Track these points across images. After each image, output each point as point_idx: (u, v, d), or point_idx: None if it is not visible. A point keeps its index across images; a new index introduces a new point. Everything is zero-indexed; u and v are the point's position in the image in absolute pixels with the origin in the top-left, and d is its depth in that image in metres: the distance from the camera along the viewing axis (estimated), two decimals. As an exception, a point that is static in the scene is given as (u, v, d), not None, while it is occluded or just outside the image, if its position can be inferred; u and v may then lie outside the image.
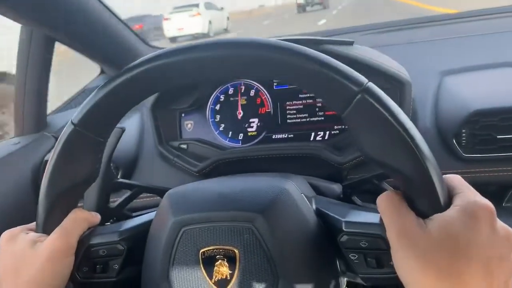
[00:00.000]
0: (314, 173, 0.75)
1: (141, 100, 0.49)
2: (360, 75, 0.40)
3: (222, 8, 19.06)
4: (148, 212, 0.67)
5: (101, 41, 1.04)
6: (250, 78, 0.85)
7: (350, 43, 0.77)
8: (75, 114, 0.46)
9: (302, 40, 0.73)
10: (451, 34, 1.06)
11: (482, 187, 0.61)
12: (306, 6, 25.28)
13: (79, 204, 0.55)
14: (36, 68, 0.97)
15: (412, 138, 0.38)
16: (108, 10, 1.00)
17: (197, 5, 17.56)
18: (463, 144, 0.74)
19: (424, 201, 0.40)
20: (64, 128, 0.47)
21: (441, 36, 1.05)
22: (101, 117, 0.47)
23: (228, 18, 19.44)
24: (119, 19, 1.07)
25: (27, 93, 0.98)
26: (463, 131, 0.73)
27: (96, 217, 0.58)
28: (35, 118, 1.00)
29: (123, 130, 0.65)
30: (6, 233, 0.53)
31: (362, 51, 0.76)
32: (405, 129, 0.38)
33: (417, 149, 0.38)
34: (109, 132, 0.50)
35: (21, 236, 0.52)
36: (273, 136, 0.86)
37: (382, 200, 0.42)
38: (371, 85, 0.40)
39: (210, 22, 17.04)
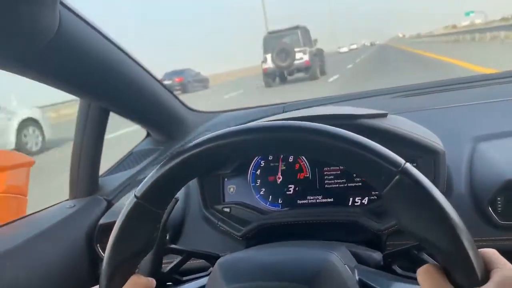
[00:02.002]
0: (353, 239, 0.78)
1: (199, 175, 0.54)
2: (397, 156, 0.44)
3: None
4: (198, 277, 0.71)
5: (149, 110, 1.13)
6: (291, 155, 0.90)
7: (384, 115, 0.82)
8: (138, 187, 0.51)
9: (338, 115, 0.78)
10: (483, 98, 1.08)
11: None
12: (282, 73, 15.48)
13: None
14: (92, 135, 1.06)
15: (447, 216, 0.41)
16: (155, 80, 1.10)
17: None
18: (499, 211, 0.75)
19: (462, 275, 0.42)
20: (128, 201, 0.52)
21: (473, 101, 1.08)
22: (161, 191, 0.51)
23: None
24: (164, 86, 1.16)
25: (82, 158, 1.06)
26: (499, 198, 0.75)
27: (153, 283, 0.62)
28: (89, 182, 1.08)
29: (176, 200, 0.71)
30: None
31: (396, 122, 0.81)
32: (441, 208, 0.42)
33: (452, 226, 0.41)
34: (167, 204, 0.54)
35: None
36: (312, 201, 0.89)
37: (421, 273, 0.45)
38: (408, 166, 0.43)
39: None
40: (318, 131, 0.46)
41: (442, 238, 0.41)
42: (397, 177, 0.42)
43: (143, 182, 0.52)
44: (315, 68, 15.01)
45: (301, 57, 14.47)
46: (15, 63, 0.71)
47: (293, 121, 0.48)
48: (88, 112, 1.04)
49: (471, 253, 0.41)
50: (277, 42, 14.83)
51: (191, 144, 0.49)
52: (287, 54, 14.35)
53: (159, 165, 0.51)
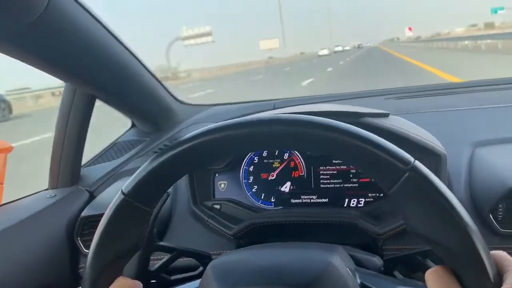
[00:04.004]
0: (348, 242, 0.75)
1: (190, 172, 0.49)
2: (406, 153, 0.42)
3: None
4: (186, 277, 0.67)
5: (137, 99, 1.08)
6: (295, 150, 0.86)
7: (386, 115, 0.79)
8: (126, 183, 0.47)
9: (342, 112, 0.75)
10: (480, 103, 1.07)
11: None
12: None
13: None
14: (76, 123, 1.00)
15: (459, 214, 0.39)
16: (145, 68, 1.05)
17: None
18: (500, 219, 0.74)
19: (474, 278, 0.40)
20: (114, 198, 0.48)
21: (469, 105, 1.07)
22: (151, 188, 0.47)
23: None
24: (154, 76, 1.11)
25: (65, 147, 1.01)
26: (500, 206, 0.74)
27: (139, 286, 0.58)
28: (70, 172, 1.02)
29: (168, 194, 0.67)
30: None
31: (398, 123, 0.79)
32: (452, 206, 0.39)
33: (464, 225, 0.39)
34: (157, 202, 0.50)
35: None
36: (306, 200, 0.86)
37: (431, 275, 0.42)
38: (418, 163, 0.41)
39: None
40: (331, 127, 0.42)
41: (453, 238, 0.39)
42: (406, 174, 0.40)
43: (131, 178, 0.47)
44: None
45: None
46: None
47: (295, 115, 0.44)
48: (73, 98, 0.99)
49: (483, 255, 0.39)
50: None
51: (184, 138, 0.45)
52: None
53: (149, 160, 0.46)
